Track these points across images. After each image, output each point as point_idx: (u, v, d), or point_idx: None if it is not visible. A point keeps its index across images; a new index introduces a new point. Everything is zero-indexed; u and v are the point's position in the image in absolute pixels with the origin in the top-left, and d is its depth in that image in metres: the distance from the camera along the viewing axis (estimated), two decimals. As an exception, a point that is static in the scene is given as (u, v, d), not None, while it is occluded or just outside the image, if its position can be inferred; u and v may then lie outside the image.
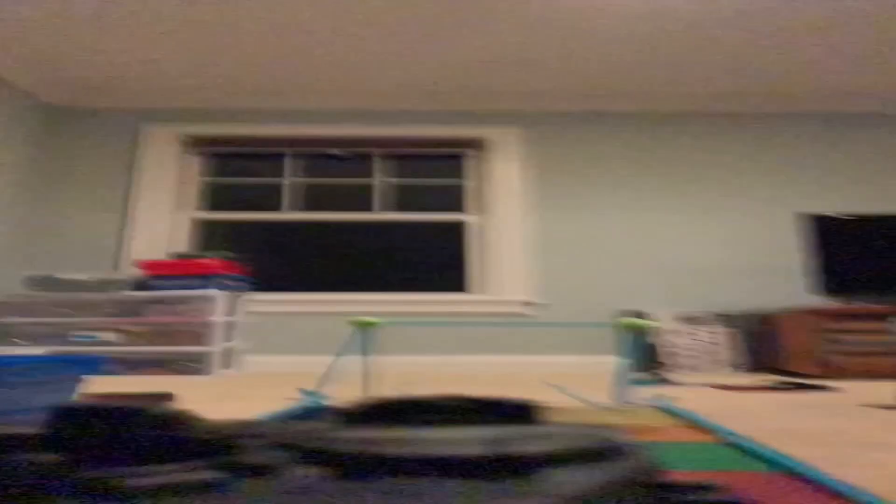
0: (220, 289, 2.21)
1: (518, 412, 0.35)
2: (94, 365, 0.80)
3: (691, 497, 0.27)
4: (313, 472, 0.24)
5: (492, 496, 0.21)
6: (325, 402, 1.13)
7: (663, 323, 2.49)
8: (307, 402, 1.09)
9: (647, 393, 1.44)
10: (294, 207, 2.80)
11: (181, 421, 0.27)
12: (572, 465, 0.25)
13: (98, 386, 1.61)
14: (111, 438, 0.26)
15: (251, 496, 0.21)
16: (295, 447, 0.26)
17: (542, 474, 0.23)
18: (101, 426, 0.26)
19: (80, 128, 2.77)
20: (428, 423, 0.32)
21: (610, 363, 2.52)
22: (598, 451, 0.26)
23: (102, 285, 2.13)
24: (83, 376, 0.83)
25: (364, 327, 1.36)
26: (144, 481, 0.21)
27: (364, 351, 1.31)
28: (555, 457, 0.25)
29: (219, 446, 0.26)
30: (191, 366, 2.07)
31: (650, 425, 0.84)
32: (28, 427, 0.26)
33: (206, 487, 0.22)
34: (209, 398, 1.32)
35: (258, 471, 0.24)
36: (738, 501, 0.27)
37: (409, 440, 0.26)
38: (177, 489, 0.21)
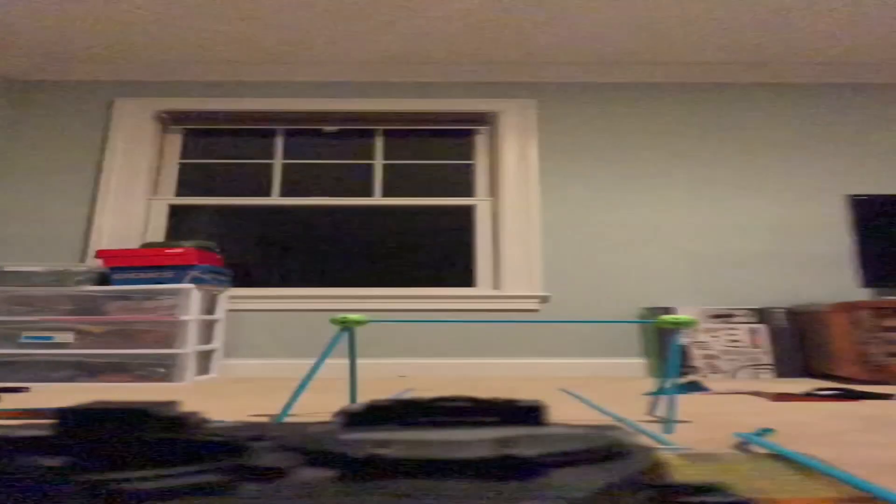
0: (195, 282, 1.96)
1: (525, 414, 0.33)
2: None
3: (697, 498, 0.25)
4: (321, 474, 0.23)
5: (499, 498, 0.21)
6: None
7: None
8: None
9: (711, 408, 1.17)
10: (284, 192, 2.54)
11: (188, 423, 0.27)
12: (579, 466, 0.24)
13: (34, 399, 1.37)
14: (117, 440, 0.25)
15: (258, 499, 0.21)
16: (302, 450, 0.26)
17: (549, 476, 0.23)
18: (107, 428, 0.26)
19: (43, 103, 2.50)
20: (434, 425, 0.31)
21: (631, 366, 2.24)
22: (604, 452, 0.26)
23: (59, 278, 1.89)
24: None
25: (349, 327, 1.14)
26: (151, 484, 0.21)
27: (349, 354, 1.10)
28: (561, 458, 0.25)
29: (226, 448, 0.26)
30: (159, 371, 1.82)
31: (781, 498, 0.54)
32: (34, 429, 0.26)
33: (213, 490, 0.21)
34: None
35: (265, 473, 0.23)
36: (745, 503, 0.25)
37: (415, 442, 0.26)
38: (184, 492, 0.21)
